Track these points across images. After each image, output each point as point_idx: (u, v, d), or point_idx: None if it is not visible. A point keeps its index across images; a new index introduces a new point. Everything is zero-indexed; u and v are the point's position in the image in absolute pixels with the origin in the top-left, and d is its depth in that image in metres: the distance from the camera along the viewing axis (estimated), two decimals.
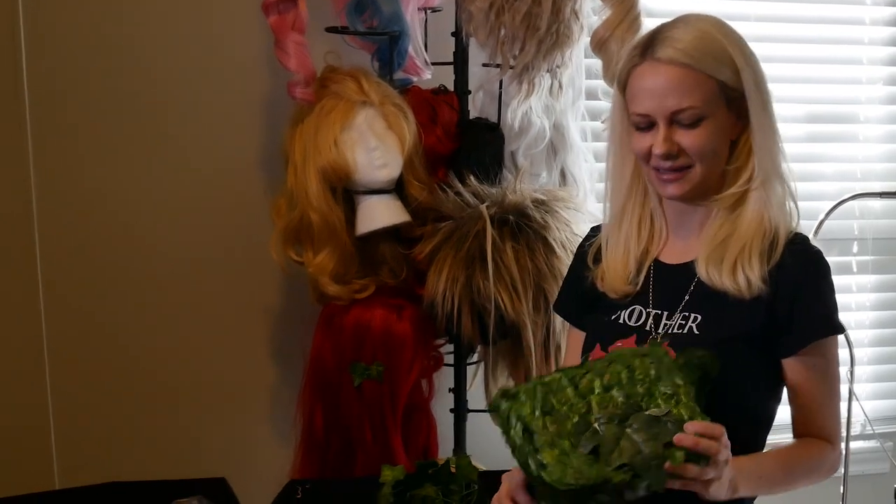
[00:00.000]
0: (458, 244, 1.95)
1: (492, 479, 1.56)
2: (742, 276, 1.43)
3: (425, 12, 2.10)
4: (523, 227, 1.95)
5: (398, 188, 1.97)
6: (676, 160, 1.44)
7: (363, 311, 1.98)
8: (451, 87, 2.09)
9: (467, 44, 2.04)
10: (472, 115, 2.12)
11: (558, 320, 1.96)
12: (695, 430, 1.21)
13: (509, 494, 1.36)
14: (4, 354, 2.10)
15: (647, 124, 1.45)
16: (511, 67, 1.99)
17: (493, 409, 1.34)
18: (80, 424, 2.17)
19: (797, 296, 1.43)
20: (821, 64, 2.57)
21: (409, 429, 2.07)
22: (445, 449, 2.15)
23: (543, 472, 1.21)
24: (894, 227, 2.67)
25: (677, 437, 1.21)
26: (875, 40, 2.59)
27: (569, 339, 1.71)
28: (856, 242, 2.66)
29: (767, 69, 1.48)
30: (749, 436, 1.43)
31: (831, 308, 1.46)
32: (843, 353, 1.73)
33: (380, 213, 1.95)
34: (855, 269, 2.68)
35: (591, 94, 2.28)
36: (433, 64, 2.10)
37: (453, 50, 2.07)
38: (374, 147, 1.91)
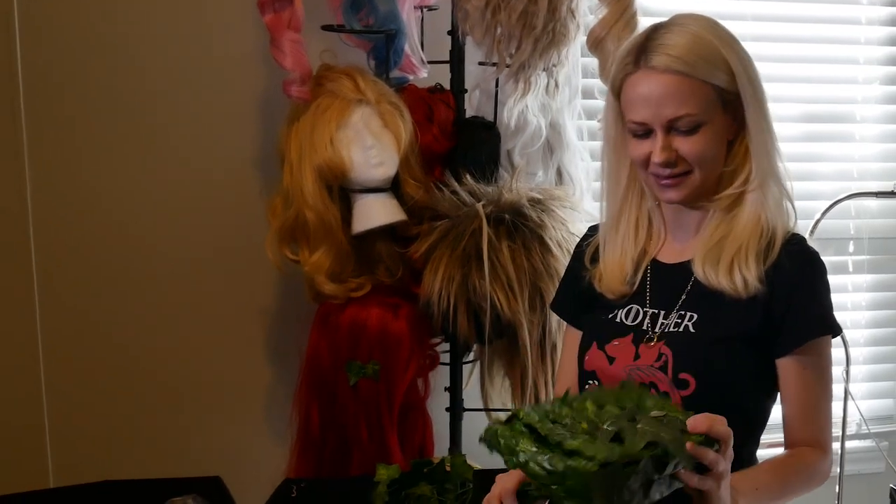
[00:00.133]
0: (454, 243, 1.95)
1: (487, 478, 1.55)
2: (739, 276, 1.43)
3: (421, 10, 2.10)
4: (519, 226, 1.95)
5: (394, 187, 1.97)
6: (675, 168, 1.44)
7: (359, 310, 1.98)
8: (447, 86, 2.09)
9: (463, 42, 2.04)
10: (469, 113, 2.12)
11: (554, 319, 1.96)
12: (703, 420, 1.21)
13: (499, 497, 1.35)
14: None
15: (644, 131, 1.45)
16: (507, 66, 1.99)
17: (488, 436, 1.27)
18: (75, 423, 2.17)
19: (793, 295, 1.43)
20: (817, 63, 2.57)
21: (405, 427, 2.07)
22: (441, 448, 2.15)
23: (572, 460, 1.15)
24: (890, 227, 2.67)
25: (691, 423, 1.21)
26: (871, 40, 2.59)
27: (565, 339, 1.71)
28: (852, 242, 2.66)
29: (764, 69, 1.48)
30: (744, 435, 1.43)
31: (827, 308, 1.47)
32: (838, 353, 1.74)
33: (376, 212, 1.95)
34: (851, 269, 2.68)
35: (588, 93, 2.28)
36: (429, 62, 2.10)
37: (449, 48, 2.07)
38: (371, 145, 1.90)
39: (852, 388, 2.43)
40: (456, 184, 2.00)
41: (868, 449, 2.67)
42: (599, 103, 2.24)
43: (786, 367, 1.45)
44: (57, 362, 2.14)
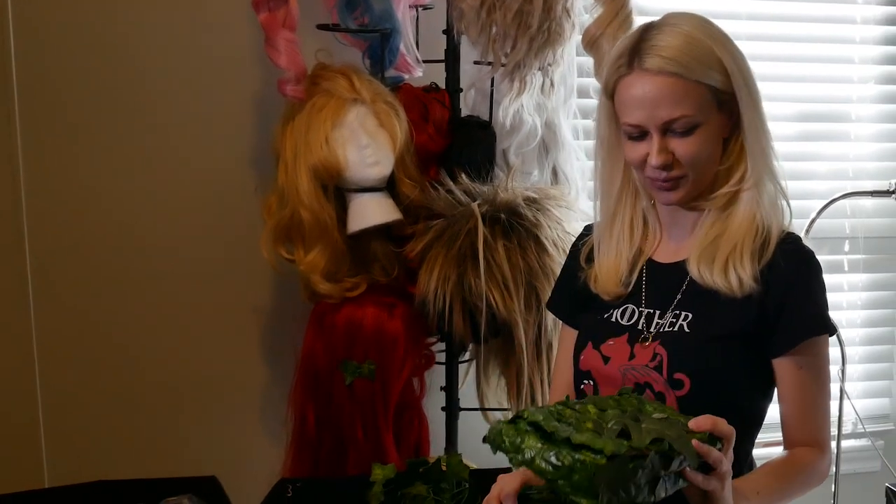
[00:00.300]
0: (449, 242, 1.95)
1: (483, 478, 1.56)
2: (734, 276, 1.43)
3: (416, 10, 2.09)
4: (515, 226, 1.95)
5: (389, 186, 1.97)
6: (672, 170, 1.44)
7: (355, 310, 1.98)
8: (442, 85, 2.09)
9: (459, 41, 2.04)
10: (464, 112, 2.12)
11: (550, 318, 1.96)
12: (706, 419, 1.23)
13: (499, 499, 1.35)
14: None
15: (639, 134, 1.44)
16: (503, 65, 1.98)
17: (493, 435, 1.27)
18: (70, 423, 2.16)
19: (788, 295, 1.43)
20: (812, 63, 2.57)
21: (401, 427, 2.07)
22: (437, 447, 2.15)
23: (580, 454, 1.16)
24: (885, 226, 2.68)
25: (693, 422, 1.22)
26: (867, 39, 2.59)
27: (561, 338, 1.71)
28: (847, 241, 2.67)
29: (759, 68, 1.48)
30: (740, 434, 1.43)
31: (822, 307, 1.46)
32: (834, 352, 1.73)
33: (371, 211, 1.95)
34: (846, 268, 2.68)
35: (583, 92, 2.28)
36: (424, 62, 2.09)
37: (445, 47, 2.07)
38: (366, 145, 1.90)
39: (848, 387, 2.44)
40: (451, 183, 2.00)
41: (864, 448, 2.68)
42: (595, 102, 2.23)
43: (782, 366, 1.45)
44: (52, 362, 2.14)
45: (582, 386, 1.55)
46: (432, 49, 2.09)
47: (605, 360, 1.51)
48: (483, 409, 2.14)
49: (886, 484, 2.11)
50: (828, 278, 1.49)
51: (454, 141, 2.06)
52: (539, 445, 1.20)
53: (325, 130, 1.88)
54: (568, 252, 1.74)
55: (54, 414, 2.15)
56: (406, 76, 2.10)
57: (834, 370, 2.06)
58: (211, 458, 2.18)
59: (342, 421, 1.99)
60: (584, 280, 1.60)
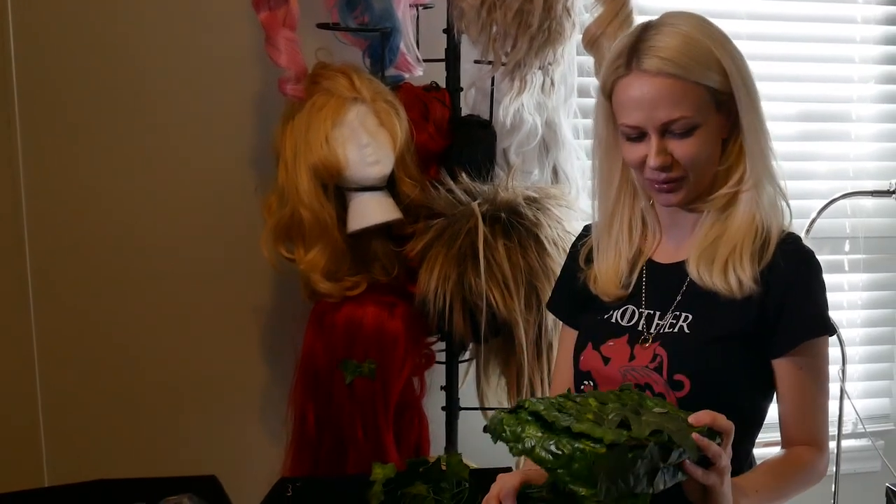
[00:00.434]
0: (449, 242, 1.95)
1: (483, 477, 1.56)
2: (733, 277, 1.43)
3: (417, 9, 2.09)
4: (515, 225, 1.95)
5: (390, 185, 1.97)
6: (671, 172, 1.43)
7: (355, 309, 1.98)
8: (442, 84, 2.09)
9: (459, 40, 2.04)
10: (464, 111, 2.12)
11: (550, 318, 1.96)
12: (705, 413, 1.23)
13: (498, 498, 1.34)
14: None
15: (637, 135, 1.44)
16: (503, 64, 1.98)
17: (493, 424, 1.26)
18: (70, 422, 2.16)
19: (788, 295, 1.43)
20: (813, 62, 2.57)
21: (401, 426, 2.07)
22: (437, 447, 2.15)
23: (580, 442, 1.16)
24: (886, 226, 2.68)
25: (693, 417, 1.22)
26: (867, 39, 2.59)
27: (561, 338, 1.71)
28: (847, 241, 2.67)
29: (759, 67, 1.48)
30: (740, 434, 1.42)
31: (822, 308, 1.46)
32: (834, 352, 1.73)
33: (371, 210, 1.95)
34: (846, 268, 2.68)
35: (584, 92, 2.28)
36: (425, 61, 2.09)
37: (445, 47, 2.06)
38: (366, 144, 1.90)
39: (848, 387, 2.44)
40: (452, 182, 2.00)
41: (864, 448, 2.68)
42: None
43: (781, 367, 1.45)
44: (52, 362, 2.14)
45: (582, 386, 1.55)
46: (432, 48, 2.09)
47: (606, 360, 1.51)
48: (483, 409, 2.14)
49: (886, 484, 2.11)
50: (828, 278, 1.48)
51: (454, 140, 2.06)
52: (539, 434, 1.20)
53: (326, 129, 1.88)
54: (568, 252, 1.73)
55: (54, 414, 2.15)
56: (406, 75, 2.09)
57: (834, 370, 2.06)
58: (211, 458, 2.18)
59: (342, 420, 1.99)
60: (584, 281, 1.60)
